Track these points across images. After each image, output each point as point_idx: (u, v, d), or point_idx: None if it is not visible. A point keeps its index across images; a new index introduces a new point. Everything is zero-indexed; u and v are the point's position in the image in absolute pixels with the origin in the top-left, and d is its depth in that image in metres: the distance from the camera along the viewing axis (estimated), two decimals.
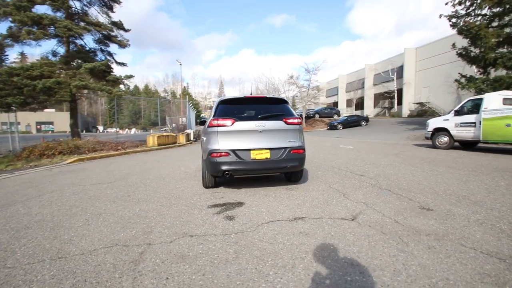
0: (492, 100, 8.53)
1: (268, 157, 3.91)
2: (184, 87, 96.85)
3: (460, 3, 14.37)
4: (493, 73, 13.88)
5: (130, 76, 12.44)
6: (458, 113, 9.50)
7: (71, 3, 11.44)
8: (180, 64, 31.50)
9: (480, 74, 14.49)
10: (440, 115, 28.47)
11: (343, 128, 25.26)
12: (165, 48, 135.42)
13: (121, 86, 12.91)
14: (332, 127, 25.83)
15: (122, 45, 12.62)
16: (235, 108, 4.22)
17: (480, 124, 8.57)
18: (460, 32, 14.68)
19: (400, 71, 33.34)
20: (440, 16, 15.63)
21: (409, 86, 32.68)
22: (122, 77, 12.15)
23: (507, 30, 12.80)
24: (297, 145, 4.12)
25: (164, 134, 13.74)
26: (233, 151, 3.87)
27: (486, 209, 3.22)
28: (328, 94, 48.23)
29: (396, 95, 34.29)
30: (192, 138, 17.29)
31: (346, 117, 27.10)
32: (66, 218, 3.26)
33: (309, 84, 29.46)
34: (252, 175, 4.44)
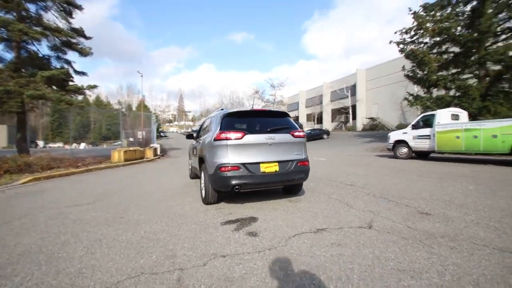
0: (443, 116, 9.87)
1: (277, 170, 3.91)
2: (142, 99, 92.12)
3: (406, 32, 16.59)
4: (435, 93, 16.10)
5: (94, 86, 11.38)
6: (415, 127, 10.73)
7: (27, 5, 10.21)
8: (141, 76, 30.04)
9: (425, 93, 16.67)
10: (388, 129, 31.88)
11: (307, 141, 26.41)
12: (119, 59, 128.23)
13: (81, 96, 11.71)
14: None
15: (84, 53, 11.57)
16: (240, 121, 4.16)
17: (434, 136, 9.80)
18: (407, 57, 16.83)
19: (353, 89, 36.64)
20: (390, 42, 17.82)
21: (361, 102, 36.00)
22: (85, 87, 11.06)
23: (445, 56, 15.11)
24: (303, 157, 4.21)
25: (131, 149, 12.75)
26: (243, 164, 3.78)
27: (473, 211, 3.65)
28: (289, 108, 50.41)
29: (351, 111, 37.39)
30: (159, 153, 16.35)
31: (309, 131, 28.49)
32: (58, 248, 2.78)
33: (275, 99, 30.57)
34: (257, 189, 4.37)
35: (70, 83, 10.87)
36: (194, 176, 6.85)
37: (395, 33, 16.96)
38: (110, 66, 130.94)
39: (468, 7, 15.11)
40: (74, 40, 11.45)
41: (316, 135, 27.23)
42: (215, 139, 3.89)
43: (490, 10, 12.85)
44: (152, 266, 2.32)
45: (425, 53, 14.54)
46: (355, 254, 2.43)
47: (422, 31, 15.59)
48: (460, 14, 15.34)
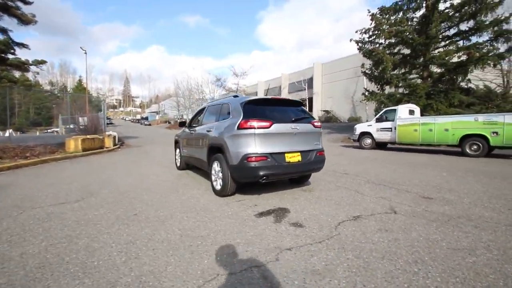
0: (402, 111, 11.08)
1: (300, 160, 3.90)
2: (79, 80, 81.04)
3: (365, 32, 17.90)
4: (388, 90, 17.91)
5: (42, 62, 9.53)
6: (378, 120, 11.84)
7: None
8: (85, 52, 26.18)
9: (378, 90, 18.40)
10: (341, 122, 34.61)
11: None
12: (49, 32, 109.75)
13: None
14: None
15: (26, 20, 9.51)
16: (261, 109, 3.98)
17: (395, 129, 10.96)
18: (365, 55, 18.29)
19: (310, 82, 38.39)
20: (351, 40, 19.00)
21: (317, 95, 38.05)
22: (30, 62, 9.15)
23: (397, 57, 16.83)
24: (321, 147, 4.29)
25: (89, 137, 11.20)
26: (271, 154, 3.67)
27: (464, 194, 4.24)
28: None
29: (307, 103, 39.22)
30: (117, 141, 14.81)
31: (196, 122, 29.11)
32: (84, 255, 2.33)
33: (237, 88, 30.14)
34: (278, 180, 4.28)
35: (11, 56, 8.87)
36: (185, 166, 6.42)
37: (356, 32, 18.18)
38: (37, 40, 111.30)
39: (417, 14, 17.04)
40: (11, 4, 9.33)
41: None
42: (239, 127, 3.67)
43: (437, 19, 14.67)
44: (222, 266, 2.12)
45: (383, 53, 15.96)
46: (407, 238, 2.61)
47: (379, 32, 17.02)
48: (410, 19, 17.20)
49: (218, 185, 4.15)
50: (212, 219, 3.17)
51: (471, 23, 14.97)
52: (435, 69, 16.39)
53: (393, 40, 16.63)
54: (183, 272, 2.04)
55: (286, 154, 3.79)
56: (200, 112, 5.79)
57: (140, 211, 3.50)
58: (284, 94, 43.08)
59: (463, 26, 15.40)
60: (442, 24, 15.56)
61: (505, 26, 13.83)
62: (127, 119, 78.57)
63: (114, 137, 13.96)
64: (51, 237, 2.72)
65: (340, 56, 36.05)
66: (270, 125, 3.68)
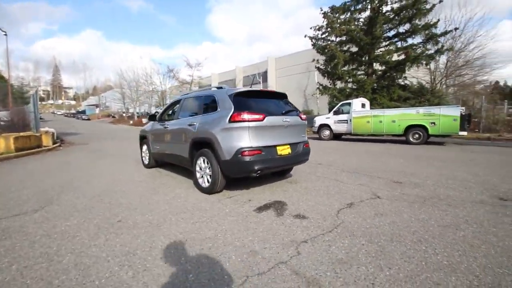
0: (356, 104, 12.06)
1: (290, 153, 3.92)
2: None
3: (319, 29, 18.85)
4: (339, 84, 19.26)
5: None
6: (336, 113, 12.68)
7: None
8: (5, 34, 21.85)
9: (330, 84, 19.67)
10: None
11: None
12: None
13: None
14: None
15: None
16: (251, 101, 3.85)
17: (350, 121, 11.89)
18: (318, 51, 19.29)
19: (265, 75, 38.99)
20: (305, 36, 19.84)
21: (272, 89, 38.90)
22: None
23: (347, 54, 18.15)
24: (306, 139, 4.38)
25: (23, 134, 9.42)
26: (265, 147, 3.60)
27: (425, 177, 4.83)
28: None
29: None
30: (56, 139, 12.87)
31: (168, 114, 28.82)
32: (80, 277, 1.96)
33: (192, 80, 28.79)
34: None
35: None
36: (155, 164, 5.91)
37: (311, 28, 19.02)
38: None
39: (363, 15, 18.58)
40: None
41: None
42: (231, 120, 3.50)
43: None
44: (247, 267, 2.02)
45: (336, 49, 17.05)
46: (401, 220, 2.86)
47: (331, 30, 18.09)
48: (357, 19, 18.66)
49: (205, 182, 3.93)
50: (211, 218, 2.99)
51: (408, 26, 16.97)
52: (378, 67, 18.20)
53: (344, 38, 17.85)
54: (208, 279, 1.87)
55: (277, 147, 3.77)
56: (174, 104, 5.36)
57: (124, 216, 3.10)
58: (239, 87, 42.94)
59: (402, 29, 17.35)
60: (384, 26, 17.26)
61: (435, 30, 16.02)
62: (58, 113, 68.48)
63: (53, 134, 12.09)
64: (21, 257, 2.22)
65: (289, 51, 37.52)
66: (263, 118, 3.59)
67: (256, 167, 3.53)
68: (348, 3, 18.63)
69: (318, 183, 4.47)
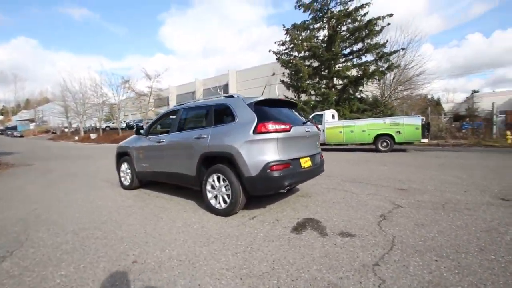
0: (328, 115, 12.58)
1: (310, 165, 3.69)
2: None
3: (283, 44, 19.60)
4: (303, 97, 20.05)
5: None
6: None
7: None
8: None
9: (295, 97, 20.37)
10: None
11: None
12: None
13: None
14: None
15: None
16: (272, 110, 3.55)
17: (323, 132, 12.31)
18: (283, 65, 19.97)
19: (226, 88, 38.88)
20: (270, 50, 20.43)
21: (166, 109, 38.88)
22: None
23: (311, 68, 19.10)
24: (320, 150, 4.21)
25: None
26: (292, 160, 3.29)
27: (422, 182, 5.05)
28: (159, 104, 46.42)
29: None
30: None
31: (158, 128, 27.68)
32: None
33: (151, 92, 26.96)
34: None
35: None
36: (138, 184, 5.11)
37: (275, 43, 19.69)
38: None
39: (321, 33, 19.93)
40: None
41: None
42: (256, 132, 3.14)
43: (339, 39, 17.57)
44: None
45: (301, 64, 17.82)
46: (445, 229, 2.81)
47: (294, 45, 18.94)
48: (316, 37, 19.91)
49: (220, 203, 3.44)
50: (250, 246, 2.55)
51: (361, 45, 18.66)
52: (338, 81, 19.52)
53: (307, 54, 18.80)
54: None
55: (301, 159, 3.51)
56: (168, 115, 4.75)
57: (137, 255, 2.46)
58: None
59: (356, 47, 18.99)
60: (342, 44, 18.71)
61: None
62: None
63: None
64: None
65: (244, 66, 38.45)
66: (290, 128, 3.32)
67: (285, 183, 3.20)
68: (307, 22, 19.83)
69: (332, 195, 4.30)
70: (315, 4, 19.37)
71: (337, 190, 4.64)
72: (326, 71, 19.22)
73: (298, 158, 3.47)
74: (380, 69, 17.33)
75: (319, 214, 3.41)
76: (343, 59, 19.34)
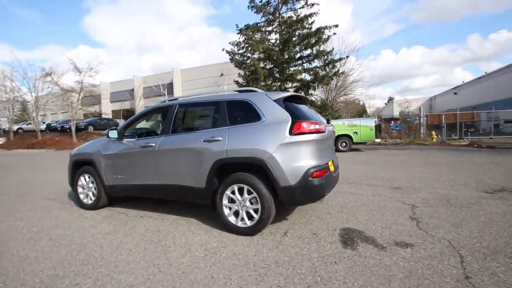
0: None
1: (333, 170, 3.37)
2: None
3: (237, 45, 19.22)
4: None
5: None
6: None
7: None
8: None
9: None
10: None
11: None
12: None
13: None
14: None
15: None
16: (301, 108, 3.08)
17: None
18: (237, 66, 19.62)
19: (170, 87, 36.32)
20: (223, 49, 19.83)
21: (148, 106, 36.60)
22: None
23: (265, 70, 19.20)
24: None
25: None
26: (326, 165, 2.90)
27: (407, 180, 5.33)
28: (88, 102, 40.26)
29: None
30: None
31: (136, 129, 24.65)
32: None
33: (81, 88, 22.81)
34: None
35: None
36: (106, 202, 3.99)
37: (229, 43, 19.22)
38: None
39: (273, 36, 20.31)
40: None
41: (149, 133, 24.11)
42: (293, 132, 2.65)
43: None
44: None
45: (257, 65, 17.73)
46: (483, 226, 2.85)
47: (249, 46, 18.78)
48: (268, 40, 20.19)
49: (244, 220, 2.82)
50: (316, 274, 2.05)
51: (310, 51, 19.67)
52: (289, 84, 20.17)
53: (262, 55, 18.83)
54: None
55: (329, 163, 3.16)
56: (152, 113, 3.83)
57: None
58: (139, 99, 38.14)
59: (306, 53, 19.94)
60: (293, 49, 19.40)
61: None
62: None
63: None
64: None
65: (185, 66, 37.23)
66: (325, 128, 2.93)
67: (326, 191, 2.82)
68: (259, 24, 19.95)
69: (342, 199, 4.11)
70: (268, 7, 19.63)
71: (341, 193, 4.48)
72: (279, 73, 19.63)
73: (327, 162, 3.12)
74: (329, 75, 18.55)
75: (351, 222, 3.13)
76: (296, 63, 20.09)
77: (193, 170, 3.07)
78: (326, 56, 19.03)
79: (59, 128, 25.86)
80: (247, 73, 18.96)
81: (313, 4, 18.98)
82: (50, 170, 9.01)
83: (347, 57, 21.14)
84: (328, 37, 18.88)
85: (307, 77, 19.00)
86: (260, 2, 19.78)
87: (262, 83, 19.10)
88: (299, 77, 18.67)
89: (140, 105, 37.91)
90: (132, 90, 38.21)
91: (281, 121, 2.74)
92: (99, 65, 24.34)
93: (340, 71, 20.75)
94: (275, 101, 2.89)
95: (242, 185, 2.81)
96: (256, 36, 19.72)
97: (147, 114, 3.99)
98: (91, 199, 4.03)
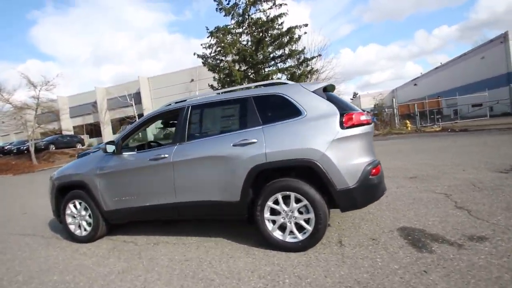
0: None
1: None
2: None
3: (209, 47, 18.65)
4: None
5: None
6: None
7: None
8: None
9: None
10: None
11: None
12: None
13: None
14: None
15: None
16: (341, 99, 2.74)
17: None
18: (210, 69, 19.04)
19: (138, 97, 34.36)
20: (195, 53, 19.15)
21: (148, 111, 34.75)
22: None
23: (241, 72, 18.82)
24: None
25: None
26: (378, 160, 2.58)
27: (420, 168, 5.27)
28: (45, 119, 36.48)
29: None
30: None
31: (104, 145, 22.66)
32: None
33: (38, 104, 20.33)
34: None
35: None
36: (105, 231, 3.32)
37: (201, 45, 18.54)
38: None
39: (244, 38, 20.06)
40: None
41: None
42: (344, 126, 2.29)
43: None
44: None
45: (233, 67, 17.29)
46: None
47: (223, 48, 18.30)
48: (241, 42, 19.89)
49: (292, 234, 2.40)
50: None
51: (282, 51, 19.73)
52: None
53: (236, 57, 18.44)
54: None
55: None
56: (155, 120, 3.25)
57: None
58: (103, 112, 35.49)
59: (279, 53, 19.95)
60: (266, 49, 19.30)
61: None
62: None
63: None
64: None
65: (148, 74, 36.14)
66: (371, 120, 2.61)
67: (384, 189, 2.51)
68: (229, 26, 19.58)
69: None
70: (236, 8, 19.33)
71: None
72: (255, 75, 19.39)
73: None
74: (305, 73, 18.72)
75: (402, 220, 2.86)
76: (270, 64, 19.99)
77: (222, 182, 2.58)
78: (299, 55, 19.21)
79: (14, 151, 22.94)
80: (222, 76, 18.42)
81: (281, 5, 19.04)
82: (16, 199, 7.70)
83: (320, 55, 21.52)
84: (299, 36, 19.10)
85: (283, 77, 18.95)
86: (228, 4, 19.45)
87: (238, 86, 18.73)
88: (275, 77, 18.57)
89: (107, 118, 35.34)
90: (95, 102, 35.49)
91: (328, 114, 2.37)
92: (56, 78, 21.88)
93: (314, 69, 21.13)
94: (314, 92, 2.52)
95: (288, 192, 2.39)
96: (227, 38, 19.30)
97: (148, 122, 3.39)
98: (85, 230, 3.30)
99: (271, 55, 19.88)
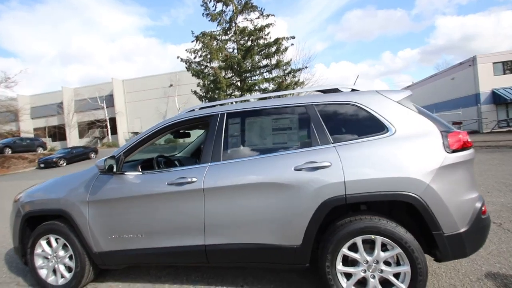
0: None
1: None
2: None
3: (194, 52, 17.87)
4: None
5: None
6: None
7: None
8: None
9: None
10: (157, 144, 31.96)
11: (67, 164, 18.81)
12: None
13: None
14: (47, 164, 18.06)
15: None
16: (427, 111, 2.20)
17: None
18: (194, 75, 18.21)
19: (111, 99, 32.09)
20: (178, 57, 18.22)
21: (122, 115, 32.52)
22: None
23: (227, 79, 18.17)
24: None
25: None
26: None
27: None
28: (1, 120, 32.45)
29: (109, 124, 32.28)
30: None
31: (69, 149, 20.39)
32: None
33: None
34: None
35: None
36: (92, 276, 2.42)
37: (186, 50, 17.77)
38: None
39: (230, 45, 19.58)
40: None
41: (81, 154, 20.19)
42: (453, 149, 1.75)
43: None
44: None
45: (220, 74, 16.60)
46: None
47: (210, 54, 17.59)
48: (226, 49, 19.36)
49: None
50: None
51: (269, 61, 19.50)
52: (250, 94, 19.55)
53: (222, 64, 17.79)
54: None
55: None
56: (170, 129, 2.46)
57: None
58: (70, 114, 32.54)
59: (266, 62, 19.69)
60: (255, 58, 18.95)
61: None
62: None
63: None
64: None
65: (122, 77, 34.27)
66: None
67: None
68: (214, 32, 19.01)
69: None
70: (223, 15, 18.86)
71: None
72: (241, 83, 18.87)
73: None
74: (293, 84, 18.57)
75: (480, 260, 2.36)
76: (255, 73, 19.62)
77: (277, 219, 1.89)
78: (285, 66, 19.09)
79: None
80: (206, 82, 17.63)
81: (268, 15, 18.95)
82: None
83: (306, 67, 21.63)
84: (286, 48, 19.03)
85: (271, 86, 18.63)
86: (214, 10, 18.94)
87: (223, 93, 18.04)
88: (262, 86, 18.19)
89: (73, 121, 32.39)
90: (61, 103, 32.51)
91: (425, 133, 1.82)
92: (19, 74, 19.44)
93: (300, 81, 21.14)
94: (400, 102, 1.96)
95: (371, 236, 1.76)
96: (213, 44, 18.66)
97: (163, 131, 2.53)
98: (62, 277, 2.38)
99: (259, 64, 19.58)
